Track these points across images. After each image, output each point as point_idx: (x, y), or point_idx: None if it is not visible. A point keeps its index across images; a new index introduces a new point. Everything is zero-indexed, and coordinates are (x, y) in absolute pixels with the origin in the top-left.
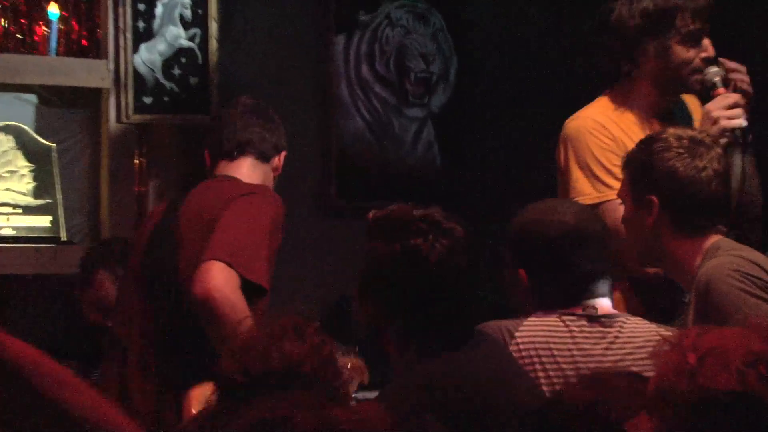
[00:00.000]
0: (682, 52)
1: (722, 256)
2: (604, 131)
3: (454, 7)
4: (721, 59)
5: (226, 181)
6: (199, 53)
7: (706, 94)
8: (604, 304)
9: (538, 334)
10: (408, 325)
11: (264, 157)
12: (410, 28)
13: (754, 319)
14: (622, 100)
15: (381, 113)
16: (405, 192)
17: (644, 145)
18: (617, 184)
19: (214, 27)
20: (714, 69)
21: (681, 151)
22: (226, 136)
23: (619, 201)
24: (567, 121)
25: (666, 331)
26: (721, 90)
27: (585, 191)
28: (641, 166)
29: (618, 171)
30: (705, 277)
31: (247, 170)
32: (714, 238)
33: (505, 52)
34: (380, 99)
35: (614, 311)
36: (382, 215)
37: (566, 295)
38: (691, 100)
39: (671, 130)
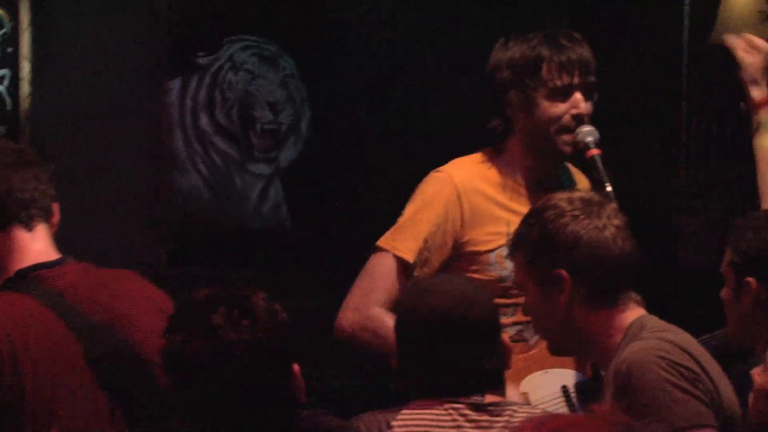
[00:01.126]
0: (549, 108)
1: (647, 339)
2: (455, 198)
3: (307, 49)
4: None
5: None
6: (8, 98)
7: (578, 156)
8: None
9: (418, 425)
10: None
11: (47, 216)
12: (256, 72)
13: (674, 416)
14: (493, 162)
15: (221, 169)
16: (249, 259)
17: (533, 218)
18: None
19: (26, 68)
20: (587, 128)
21: (576, 213)
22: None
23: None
24: (431, 173)
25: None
26: (594, 151)
27: (398, 241)
28: (538, 241)
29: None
30: (627, 363)
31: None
32: (635, 312)
33: (365, 101)
34: (221, 153)
35: (503, 399)
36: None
37: (449, 384)
38: (575, 169)
39: (558, 195)
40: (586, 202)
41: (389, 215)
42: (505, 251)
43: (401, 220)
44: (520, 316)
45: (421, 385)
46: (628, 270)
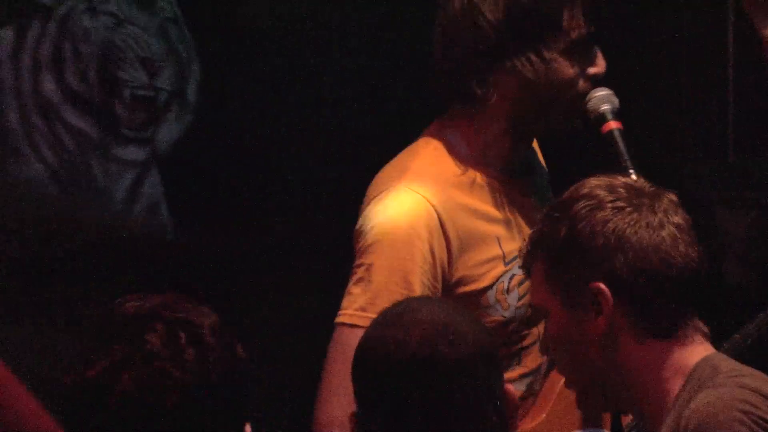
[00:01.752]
0: (567, 69)
1: (724, 386)
2: (437, 229)
3: None
4: None
5: None
6: None
7: (590, 129)
8: None
9: None
10: None
11: None
12: (123, 16)
13: None
14: (467, 150)
15: (74, 153)
16: (114, 278)
17: (559, 211)
18: None
19: None
20: (603, 91)
21: (621, 205)
22: None
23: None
24: (379, 180)
25: None
26: (612, 124)
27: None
28: (566, 243)
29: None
30: (698, 419)
31: None
32: (702, 349)
33: (278, 57)
34: (73, 131)
35: None
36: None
37: None
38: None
39: (593, 181)
40: (636, 191)
41: (307, 218)
42: (508, 280)
43: (371, 274)
44: (529, 364)
45: None
46: (694, 287)
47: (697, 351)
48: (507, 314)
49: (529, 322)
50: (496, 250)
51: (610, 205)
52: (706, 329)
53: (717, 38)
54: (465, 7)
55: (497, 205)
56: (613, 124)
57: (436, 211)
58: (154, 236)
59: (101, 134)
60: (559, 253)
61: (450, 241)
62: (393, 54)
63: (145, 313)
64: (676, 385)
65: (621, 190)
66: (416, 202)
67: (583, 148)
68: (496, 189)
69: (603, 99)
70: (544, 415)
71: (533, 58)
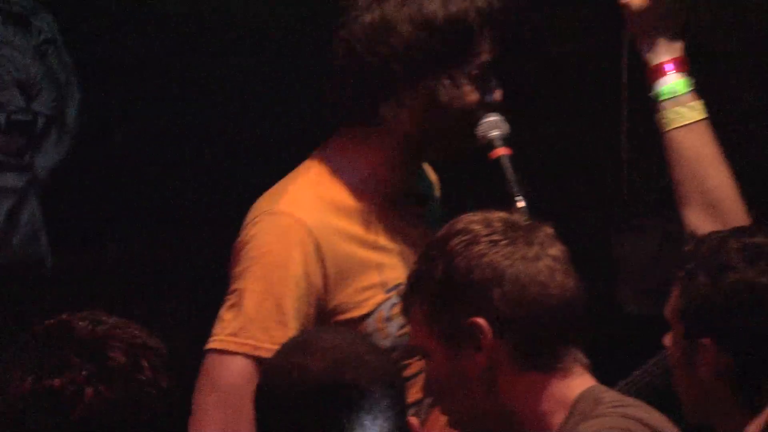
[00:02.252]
0: (472, 94)
1: (606, 415)
2: (313, 250)
3: (75, 6)
4: None
5: None
6: None
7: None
8: None
9: None
10: None
11: None
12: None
13: None
14: (342, 176)
15: None
16: None
17: (435, 249)
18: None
19: None
20: (494, 117)
21: (497, 238)
22: None
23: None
24: (258, 205)
25: None
26: (501, 151)
27: (256, 336)
28: (443, 281)
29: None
30: None
31: None
32: (583, 381)
33: (164, 78)
34: None
35: None
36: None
37: None
38: (428, 168)
39: (468, 216)
40: (510, 225)
41: (188, 243)
42: (388, 308)
43: (243, 299)
44: (414, 394)
45: None
46: (571, 318)
47: (579, 383)
48: (387, 343)
49: (411, 352)
50: (375, 278)
51: (485, 239)
52: (586, 361)
53: (612, 71)
54: (377, 23)
55: (380, 233)
56: (501, 151)
57: (312, 235)
58: (33, 266)
59: None
60: (438, 291)
61: (326, 267)
62: (279, 81)
63: (103, 334)
64: (558, 418)
65: (497, 224)
66: (292, 227)
67: (479, 178)
68: (380, 216)
69: (493, 125)
70: None
71: (446, 81)
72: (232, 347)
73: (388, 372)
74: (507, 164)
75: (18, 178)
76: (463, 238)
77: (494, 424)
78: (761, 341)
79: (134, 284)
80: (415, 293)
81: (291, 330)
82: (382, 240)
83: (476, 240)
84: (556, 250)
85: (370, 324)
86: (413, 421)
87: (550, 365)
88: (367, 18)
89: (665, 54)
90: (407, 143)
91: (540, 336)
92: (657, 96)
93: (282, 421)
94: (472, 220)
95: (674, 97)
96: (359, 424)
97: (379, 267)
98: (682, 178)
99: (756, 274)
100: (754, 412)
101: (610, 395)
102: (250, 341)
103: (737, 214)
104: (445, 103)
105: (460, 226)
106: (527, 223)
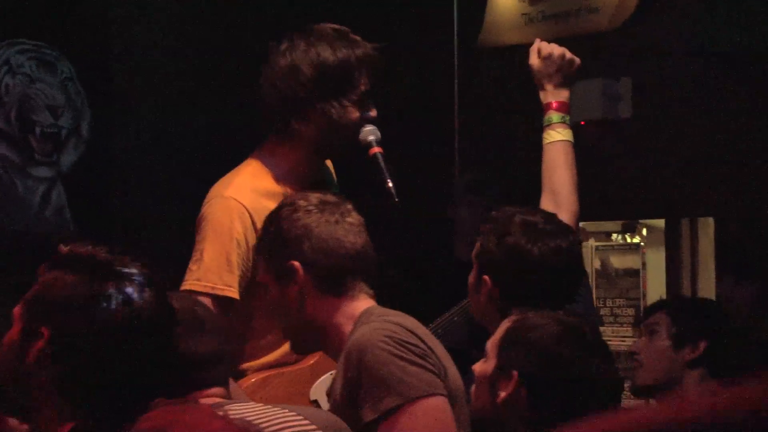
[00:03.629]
0: (354, 113)
1: (374, 322)
2: (249, 223)
3: (87, 54)
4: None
5: None
6: None
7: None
8: (214, 392)
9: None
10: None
11: None
12: (35, 76)
13: (406, 387)
14: (272, 172)
15: (1, 174)
16: (34, 264)
17: (271, 217)
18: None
19: None
20: (369, 127)
21: (311, 208)
22: None
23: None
24: (212, 190)
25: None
26: (376, 149)
27: (213, 279)
28: (274, 237)
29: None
30: (357, 346)
31: None
32: (365, 302)
33: (151, 103)
34: (1, 157)
35: (222, 400)
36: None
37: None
38: (330, 163)
39: (297, 194)
40: (322, 201)
41: (172, 221)
42: None
43: (203, 255)
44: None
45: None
46: (359, 263)
47: (362, 304)
48: None
49: (263, 287)
50: None
51: (303, 209)
52: (371, 291)
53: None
54: (289, 65)
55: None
56: (376, 149)
57: (248, 213)
58: (61, 232)
59: (21, 160)
60: (270, 244)
61: (255, 224)
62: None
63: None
64: (347, 328)
65: (313, 199)
66: (235, 207)
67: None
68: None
69: (369, 132)
70: (314, 360)
71: (335, 104)
72: (197, 288)
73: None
74: (380, 159)
75: (49, 170)
76: (288, 208)
77: (310, 336)
78: (522, 284)
79: (137, 238)
80: (259, 246)
81: (235, 275)
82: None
83: (297, 209)
84: (352, 218)
85: None
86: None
87: (341, 291)
88: (282, 62)
89: (550, 97)
90: (313, 146)
91: (333, 272)
92: (543, 122)
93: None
94: (298, 196)
95: (549, 124)
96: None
97: None
98: (543, 176)
99: (525, 241)
100: (503, 317)
101: (379, 310)
102: (209, 283)
103: (569, 203)
104: (336, 119)
105: (288, 200)
106: (335, 199)
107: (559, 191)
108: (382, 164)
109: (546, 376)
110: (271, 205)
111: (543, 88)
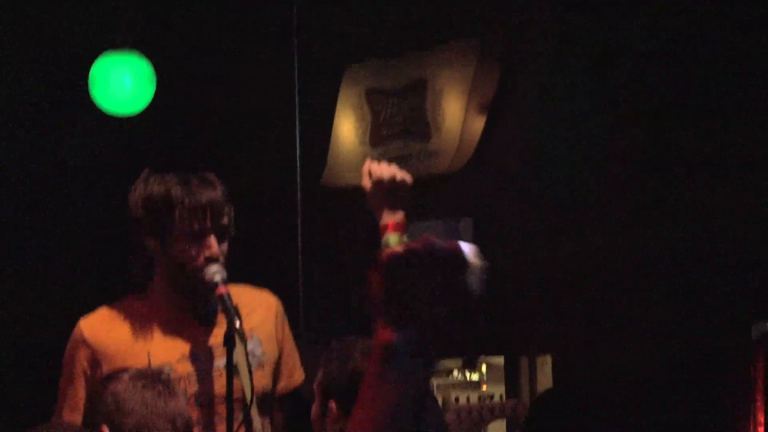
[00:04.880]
0: (183, 250)
1: None
2: (88, 354)
3: None
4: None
5: None
6: None
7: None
8: None
9: None
10: None
11: None
12: None
13: None
14: (139, 305)
15: None
16: None
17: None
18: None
19: None
20: (215, 267)
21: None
22: None
23: None
24: (80, 323)
25: None
26: (222, 289)
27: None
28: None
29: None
30: None
31: None
32: None
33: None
34: None
35: None
36: None
37: None
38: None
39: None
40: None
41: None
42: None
43: (58, 396)
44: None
45: None
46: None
47: None
48: None
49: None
50: (144, 359)
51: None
52: None
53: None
54: (130, 201)
55: (157, 333)
56: (222, 290)
57: (86, 341)
58: None
59: None
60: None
61: (98, 357)
62: None
63: None
64: None
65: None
66: (76, 336)
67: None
68: (160, 324)
69: (215, 272)
70: None
71: (157, 237)
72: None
73: None
74: (226, 299)
75: None
76: (111, 379)
77: None
78: None
79: None
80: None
81: (81, 413)
82: (156, 338)
83: (119, 381)
84: (156, 386)
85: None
86: None
87: None
88: (131, 199)
89: (387, 218)
90: (167, 281)
91: None
92: (381, 245)
93: None
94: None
95: (387, 245)
96: None
97: (148, 353)
98: None
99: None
100: None
101: None
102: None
103: None
104: (162, 253)
105: (111, 374)
106: (162, 375)
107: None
108: (229, 305)
109: None
110: (124, 329)
111: (378, 210)
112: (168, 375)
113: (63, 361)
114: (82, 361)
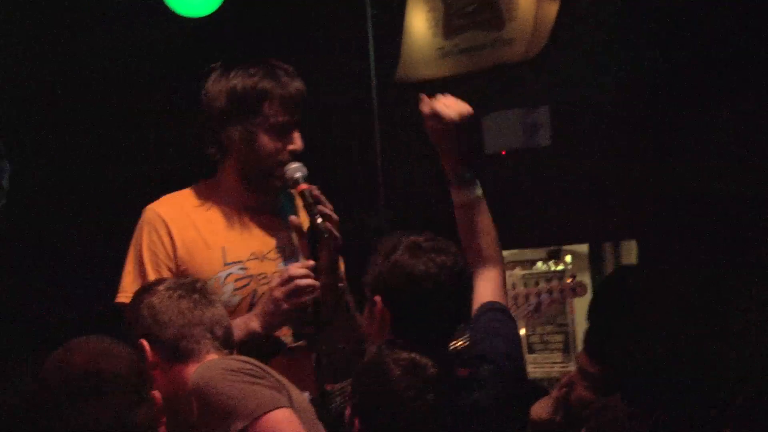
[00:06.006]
0: (268, 143)
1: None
2: (163, 228)
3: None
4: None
5: None
6: None
7: (288, 188)
8: None
9: None
10: None
11: None
12: None
13: (250, 406)
14: (208, 193)
15: None
16: None
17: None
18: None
19: None
20: (296, 164)
21: (171, 292)
22: None
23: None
24: (153, 206)
25: None
26: (304, 186)
27: (129, 290)
28: (138, 324)
29: (166, 271)
30: (194, 386)
31: None
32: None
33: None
34: None
35: None
36: None
37: None
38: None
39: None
40: (182, 285)
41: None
42: (224, 276)
43: (123, 268)
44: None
45: None
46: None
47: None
48: (223, 298)
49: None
50: (218, 255)
51: (162, 291)
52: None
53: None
54: (207, 93)
55: (228, 227)
56: (303, 186)
57: (163, 219)
58: None
59: None
60: (136, 330)
61: (174, 241)
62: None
63: None
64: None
65: (175, 283)
66: (150, 215)
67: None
68: (228, 217)
69: (297, 169)
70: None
71: (241, 129)
72: (118, 300)
73: (133, 357)
74: (307, 196)
75: None
76: (146, 291)
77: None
78: (407, 300)
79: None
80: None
81: (145, 279)
82: (229, 231)
83: (155, 293)
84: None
85: (210, 285)
86: (156, 394)
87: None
88: (203, 90)
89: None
90: (239, 174)
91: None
92: (454, 181)
93: (57, 411)
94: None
95: (465, 181)
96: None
97: (222, 248)
98: (463, 235)
99: (407, 259)
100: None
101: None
102: (123, 294)
103: (495, 260)
104: (243, 146)
105: (147, 286)
106: (198, 284)
107: (484, 249)
108: (310, 201)
109: (383, 415)
110: (197, 219)
111: (441, 151)
112: (203, 284)
113: (134, 235)
114: (157, 231)
